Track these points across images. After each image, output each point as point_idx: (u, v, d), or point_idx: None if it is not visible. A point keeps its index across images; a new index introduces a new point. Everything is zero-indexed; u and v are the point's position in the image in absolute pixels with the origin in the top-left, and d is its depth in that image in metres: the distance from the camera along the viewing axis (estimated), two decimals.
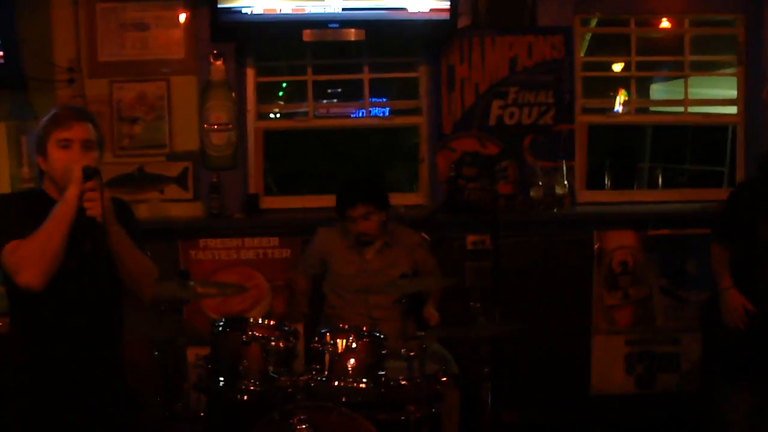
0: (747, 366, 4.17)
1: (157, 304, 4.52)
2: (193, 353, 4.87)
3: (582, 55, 5.68)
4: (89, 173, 2.79)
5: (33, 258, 2.76)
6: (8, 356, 3.09)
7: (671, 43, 5.89)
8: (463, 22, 5.33)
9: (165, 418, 4.96)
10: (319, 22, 5.13)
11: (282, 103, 5.94)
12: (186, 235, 5.36)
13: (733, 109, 5.82)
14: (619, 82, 5.94)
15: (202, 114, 5.34)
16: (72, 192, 2.78)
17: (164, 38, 5.34)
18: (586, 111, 5.67)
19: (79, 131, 2.96)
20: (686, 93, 5.81)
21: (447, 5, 5.11)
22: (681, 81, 5.94)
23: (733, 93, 5.82)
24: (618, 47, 5.82)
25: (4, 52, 4.97)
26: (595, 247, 5.40)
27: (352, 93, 5.89)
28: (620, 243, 5.43)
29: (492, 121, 5.41)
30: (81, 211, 2.79)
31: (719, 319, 4.21)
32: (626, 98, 5.94)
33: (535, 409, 5.36)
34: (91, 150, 2.97)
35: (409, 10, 5.11)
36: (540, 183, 5.39)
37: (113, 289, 3.08)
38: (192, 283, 4.09)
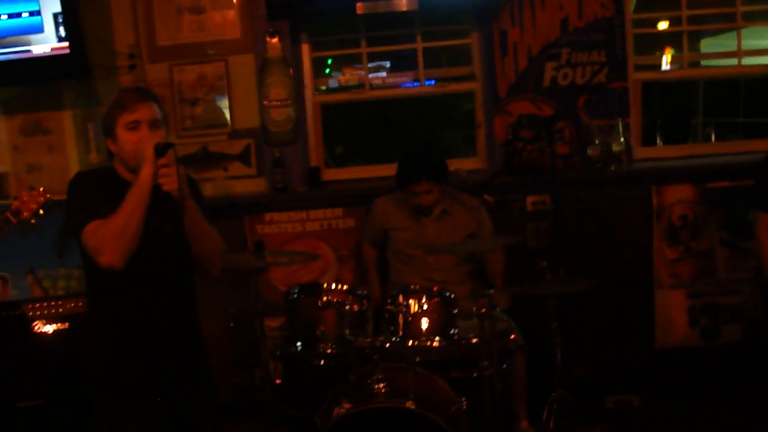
0: None
1: (231, 276, 4.67)
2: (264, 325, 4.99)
3: (632, 11, 5.67)
4: (161, 149, 2.82)
5: (113, 240, 2.80)
6: (87, 335, 3.15)
7: None
8: None
9: (241, 387, 5.12)
10: None
11: (338, 76, 6.01)
12: (252, 211, 5.49)
13: None
14: (669, 38, 5.91)
15: (262, 91, 5.44)
16: (146, 172, 2.82)
17: (220, 19, 5.45)
18: (639, 68, 5.66)
19: (145, 112, 2.98)
20: (740, 44, 5.72)
21: None
22: (732, 34, 5.87)
23: None
24: (667, 2, 5.78)
25: (69, 42, 5.11)
26: (654, 202, 5.42)
27: (405, 63, 5.93)
28: (679, 197, 5.44)
29: (546, 83, 5.46)
30: (156, 188, 2.83)
31: None
32: (673, 55, 5.92)
33: (602, 364, 5.39)
34: (158, 128, 3.01)
35: None
36: (596, 141, 5.41)
37: (186, 263, 3.13)
38: (267, 253, 4.21)
